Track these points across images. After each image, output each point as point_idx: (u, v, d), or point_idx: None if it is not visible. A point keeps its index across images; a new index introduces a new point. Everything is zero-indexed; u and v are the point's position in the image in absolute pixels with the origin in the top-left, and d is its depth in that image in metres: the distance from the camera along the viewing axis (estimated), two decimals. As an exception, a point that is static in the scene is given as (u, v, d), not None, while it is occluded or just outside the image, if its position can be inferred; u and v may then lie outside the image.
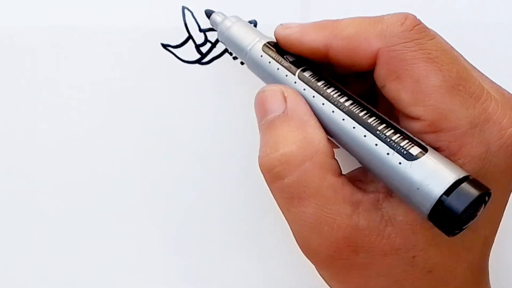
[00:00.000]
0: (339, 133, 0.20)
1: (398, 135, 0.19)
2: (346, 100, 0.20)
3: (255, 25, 0.29)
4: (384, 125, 0.19)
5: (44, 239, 0.31)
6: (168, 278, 0.31)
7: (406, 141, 0.19)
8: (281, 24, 0.23)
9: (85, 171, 0.30)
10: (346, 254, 0.20)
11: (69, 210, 0.31)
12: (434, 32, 0.21)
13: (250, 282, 0.31)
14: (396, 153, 0.18)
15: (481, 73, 0.21)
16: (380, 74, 0.20)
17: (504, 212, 0.21)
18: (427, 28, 0.20)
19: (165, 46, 0.29)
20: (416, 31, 0.19)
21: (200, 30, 0.29)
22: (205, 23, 0.29)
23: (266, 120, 0.21)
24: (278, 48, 0.23)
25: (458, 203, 0.17)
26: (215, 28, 0.26)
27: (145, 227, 0.31)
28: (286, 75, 0.22)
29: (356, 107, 0.20)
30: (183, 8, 0.29)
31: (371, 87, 0.23)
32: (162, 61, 0.29)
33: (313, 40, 0.21)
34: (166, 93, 0.30)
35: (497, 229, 0.21)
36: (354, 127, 0.20)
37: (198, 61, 0.29)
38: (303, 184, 0.20)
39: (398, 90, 0.19)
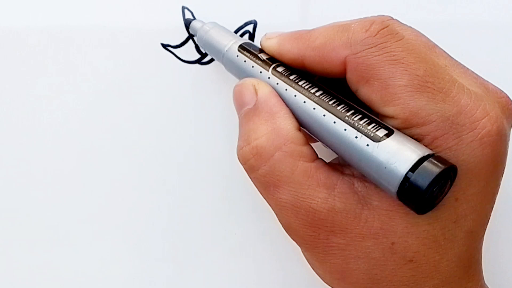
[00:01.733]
0: (311, 122, 0.21)
1: (365, 119, 0.20)
2: (317, 91, 0.21)
3: (255, 25, 0.29)
4: (352, 111, 0.20)
5: (43, 239, 0.31)
6: (168, 278, 0.31)
7: (373, 124, 0.20)
8: (265, 35, 0.24)
9: (84, 170, 0.30)
10: (324, 235, 0.20)
11: (70, 210, 0.31)
12: (408, 29, 0.22)
13: (250, 282, 0.31)
14: (363, 136, 0.19)
15: (464, 67, 0.22)
16: (351, 80, 0.21)
17: (501, 211, 0.21)
18: (395, 30, 0.21)
19: (165, 46, 0.29)
20: (380, 35, 0.20)
21: (200, 30, 0.29)
22: (205, 23, 0.29)
23: (241, 113, 0.23)
24: (253, 47, 0.25)
25: (423, 179, 0.17)
26: (194, 35, 0.28)
27: (144, 227, 0.31)
28: (261, 72, 0.23)
29: (326, 97, 0.21)
30: (183, 8, 0.29)
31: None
32: (162, 61, 0.29)
33: (289, 51, 0.23)
34: (166, 93, 0.30)
35: (485, 223, 0.21)
36: (324, 115, 0.21)
37: (198, 61, 0.29)
38: (275, 174, 0.21)
39: (369, 93, 0.20)
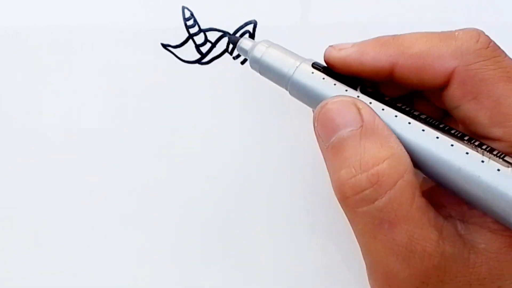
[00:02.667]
0: (419, 147, 0.18)
1: (486, 145, 0.17)
2: (421, 113, 0.19)
3: (255, 25, 0.29)
4: (468, 136, 0.18)
5: (42, 239, 0.31)
6: (167, 278, 0.31)
7: (497, 151, 0.17)
8: (331, 46, 0.21)
9: (84, 170, 0.30)
10: (434, 284, 0.18)
11: (71, 210, 0.31)
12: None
13: (250, 282, 0.31)
14: (491, 160, 0.17)
15: None
16: (455, 94, 0.19)
17: None
18: (498, 46, 0.19)
19: (165, 46, 0.29)
20: (492, 48, 0.18)
21: (200, 30, 0.29)
22: (205, 23, 0.29)
23: (339, 137, 0.19)
24: (325, 69, 0.21)
25: None
26: (243, 55, 0.24)
27: (144, 227, 0.31)
28: (346, 90, 0.20)
29: (433, 120, 0.18)
30: (183, 8, 0.29)
31: (429, 105, 0.22)
32: (162, 61, 0.29)
33: (376, 59, 0.20)
34: (166, 93, 0.30)
35: None
36: (437, 137, 0.18)
37: (198, 61, 0.29)
38: (395, 207, 0.18)
39: (476, 111, 0.18)
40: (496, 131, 0.18)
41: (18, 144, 0.30)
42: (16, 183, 0.31)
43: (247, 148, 0.30)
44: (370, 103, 0.19)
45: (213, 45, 0.29)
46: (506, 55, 0.19)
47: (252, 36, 0.29)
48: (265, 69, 0.22)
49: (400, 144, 0.18)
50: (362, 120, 0.18)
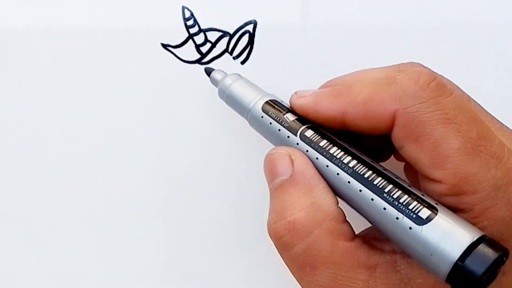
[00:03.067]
0: (347, 195, 0.20)
1: (406, 196, 0.18)
2: (351, 160, 0.20)
3: (255, 25, 0.29)
4: (391, 185, 0.19)
5: (42, 239, 0.31)
6: (167, 278, 0.31)
7: (415, 203, 0.18)
8: (296, 93, 0.23)
9: (84, 170, 0.30)
10: None
11: (70, 211, 0.31)
12: (452, 83, 0.21)
13: (250, 282, 0.31)
14: (405, 217, 0.18)
15: (498, 121, 0.21)
16: (398, 136, 0.19)
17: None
18: (443, 83, 0.19)
19: (165, 46, 0.29)
20: (431, 89, 0.19)
21: (200, 30, 0.29)
22: (205, 23, 0.29)
23: (274, 184, 0.21)
24: (279, 105, 0.23)
25: (476, 267, 0.16)
26: (215, 86, 0.26)
27: (144, 227, 0.31)
28: (288, 136, 0.22)
29: (362, 167, 0.20)
30: (183, 8, 0.29)
31: (387, 143, 0.22)
32: (162, 61, 0.29)
33: (328, 109, 0.21)
34: (166, 93, 0.30)
35: None
36: (360, 190, 0.19)
37: (198, 61, 0.29)
38: (313, 253, 0.19)
39: (417, 153, 0.19)
40: (436, 173, 0.18)
41: (18, 144, 0.30)
42: (15, 183, 0.31)
43: (246, 147, 0.30)
44: (307, 151, 0.21)
45: (213, 45, 0.29)
46: (450, 93, 0.19)
47: (252, 36, 0.29)
48: (229, 101, 0.25)
49: (326, 193, 0.20)
50: (293, 171, 0.20)
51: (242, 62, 0.29)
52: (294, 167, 0.21)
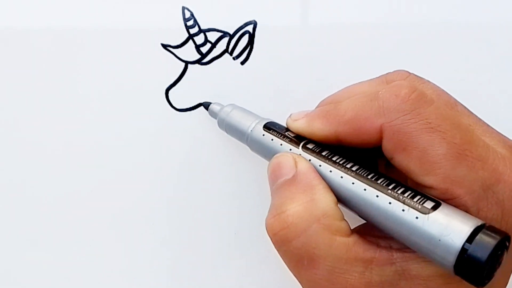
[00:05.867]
0: (350, 198, 0.20)
1: (409, 192, 0.19)
2: (353, 166, 0.21)
3: (255, 25, 0.29)
4: (393, 184, 0.20)
5: (43, 239, 0.31)
6: (168, 278, 0.31)
7: (419, 196, 0.19)
8: (290, 116, 0.24)
9: (84, 170, 0.30)
10: None
11: (73, 210, 0.31)
12: (429, 87, 0.22)
13: (250, 282, 0.31)
14: (411, 209, 0.18)
15: (484, 123, 0.21)
16: (387, 148, 0.20)
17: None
18: (424, 93, 0.20)
19: (165, 46, 0.29)
20: (412, 100, 0.20)
21: (200, 30, 0.29)
22: (205, 24, 0.29)
23: (277, 184, 0.22)
24: (278, 126, 0.24)
25: (482, 250, 0.17)
26: (214, 118, 0.28)
27: (144, 227, 0.31)
28: (290, 149, 0.23)
29: (363, 171, 0.21)
30: (183, 8, 0.29)
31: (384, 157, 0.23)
32: (162, 61, 0.29)
33: (321, 130, 0.22)
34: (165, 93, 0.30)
35: (507, 281, 0.21)
36: (365, 189, 0.20)
37: (198, 61, 0.29)
38: (312, 246, 0.20)
39: (407, 162, 0.20)
40: (427, 180, 0.19)
41: (17, 144, 0.30)
42: (15, 183, 0.31)
43: (246, 147, 0.30)
44: (310, 160, 0.22)
45: (213, 45, 0.29)
46: (431, 103, 0.20)
47: (252, 36, 0.29)
48: (229, 129, 0.26)
49: (326, 193, 0.21)
50: (296, 172, 0.21)
51: (242, 63, 0.29)
52: (297, 168, 0.21)
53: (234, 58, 0.29)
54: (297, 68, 0.29)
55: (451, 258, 0.17)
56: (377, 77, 0.24)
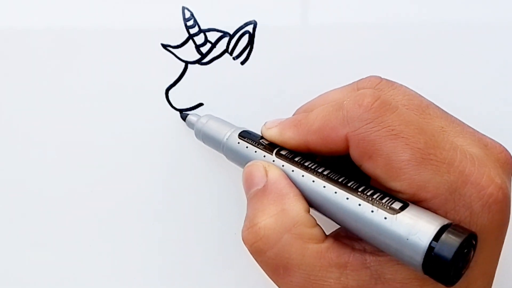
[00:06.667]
0: (322, 201, 0.21)
1: (378, 193, 0.20)
2: (324, 170, 0.21)
3: (255, 25, 0.29)
4: (363, 187, 0.20)
5: (43, 240, 0.31)
6: (168, 278, 0.31)
7: (387, 198, 0.19)
8: (264, 124, 0.25)
9: (85, 170, 0.30)
10: None
11: (73, 210, 0.31)
12: (399, 93, 0.22)
13: (250, 282, 0.31)
14: (380, 209, 0.19)
15: (460, 123, 0.22)
16: (354, 156, 0.21)
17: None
18: (387, 101, 0.20)
19: (165, 46, 0.29)
20: (375, 109, 0.20)
21: (200, 30, 0.29)
22: (205, 24, 0.29)
23: (250, 194, 0.22)
24: (253, 135, 0.25)
25: (448, 248, 0.17)
26: (191, 128, 0.28)
27: (144, 227, 0.31)
28: (264, 156, 0.24)
29: (334, 175, 0.21)
30: (183, 8, 0.29)
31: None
32: (162, 61, 0.29)
33: (292, 139, 0.23)
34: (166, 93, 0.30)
35: (491, 282, 0.21)
36: (335, 192, 0.20)
37: (198, 61, 0.29)
38: (285, 256, 0.20)
39: (374, 169, 0.20)
40: (394, 185, 0.19)
41: (17, 144, 0.30)
42: (14, 183, 0.31)
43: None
44: (283, 165, 0.23)
45: (213, 45, 0.29)
46: (395, 109, 0.20)
47: (252, 36, 0.29)
48: (205, 139, 0.27)
49: (297, 201, 0.21)
50: (266, 181, 0.22)
51: (242, 63, 0.29)
52: (268, 177, 0.22)
53: (234, 58, 0.29)
54: (297, 68, 0.29)
55: (419, 258, 0.18)
56: (349, 84, 0.24)
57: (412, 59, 0.29)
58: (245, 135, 0.25)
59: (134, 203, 0.31)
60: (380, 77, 0.23)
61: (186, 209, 0.31)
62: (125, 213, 0.31)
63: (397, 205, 0.19)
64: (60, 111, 0.30)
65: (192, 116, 0.28)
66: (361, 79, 0.24)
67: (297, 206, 0.21)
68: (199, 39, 0.29)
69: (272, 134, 0.24)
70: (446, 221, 0.18)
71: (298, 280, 0.20)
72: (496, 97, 0.29)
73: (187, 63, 0.29)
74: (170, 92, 0.29)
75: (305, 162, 0.22)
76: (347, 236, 0.21)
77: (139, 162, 0.30)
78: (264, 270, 0.22)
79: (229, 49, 0.29)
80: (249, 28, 0.29)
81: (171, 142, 0.30)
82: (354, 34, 0.29)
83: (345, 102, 0.21)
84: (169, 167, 0.30)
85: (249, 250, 0.21)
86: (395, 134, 0.19)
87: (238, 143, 0.25)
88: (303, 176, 0.22)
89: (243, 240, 0.22)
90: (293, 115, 0.26)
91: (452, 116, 0.22)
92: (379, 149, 0.19)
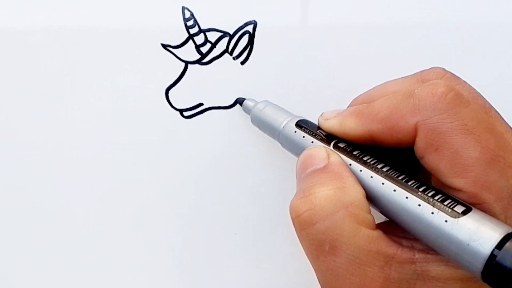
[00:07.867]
0: (379, 198, 0.20)
1: (439, 195, 0.19)
2: (383, 167, 0.21)
3: (255, 25, 0.29)
4: (424, 187, 0.19)
5: (43, 240, 0.31)
6: (168, 278, 0.31)
7: (449, 200, 0.19)
8: (321, 116, 0.24)
9: (85, 170, 0.30)
10: None
11: (74, 210, 0.31)
12: (466, 89, 0.21)
13: (250, 282, 0.31)
14: (441, 212, 0.18)
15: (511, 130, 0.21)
16: (419, 146, 0.20)
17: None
18: (461, 94, 0.20)
19: (165, 46, 0.29)
20: (449, 100, 0.19)
21: (200, 30, 0.29)
22: (205, 24, 0.29)
23: (306, 172, 0.22)
24: (310, 124, 0.24)
25: (511, 257, 0.17)
26: (247, 113, 0.28)
27: (145, 227, 0.31)
28: None
29: (394, 172, 0.20)
30: (183, 8, 0.29)
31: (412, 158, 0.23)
32: (162, 61, 0.29)
33: (353, 129, 0.22)
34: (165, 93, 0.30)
35: None
36: (394, 190, 0.20)
37: (198, 61, 0.29)
38: (336, 232, 0.19)
39: (437, 162, 0.19)
40: (457, 182, 0.19)
41: (17, 144, 0.30)
42: (15, 184, 0.31)
43: (247, 147, 0.30)
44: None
45: (213, 45, 0.29)
46: (468, 104, 0.19)
47: (252, 36, 0.29)
48: (261, 125, 0.27)
49: (356, 185, 0.20)
50: (328, 161, 0.21)
51: (242, 63, 0.29)
52: (330, 160, 0.21)
53: (234, 58, 0.29)
54: (297, 68, 0.29)
55: (479, 264, 0.17)
56: (411, 75, 0.24)
57: (412, 59, 0.29)
58: (301, 125, 0.24)
59: (133, 203, 0.31)
60: (445, 69, 0.23)
61: (186, 209, 0.31)
62: (125, 213, 0.31)
63: (459, 209, 0.18)
64: (60, 111, 0.30)
65: (249, 101, 0.28)
66: (425, 70, 0.23)
67: (356, 188, 0.20)
68: (199, 39, 0.29)
69: (331, 124, 0.23)
70: (510, 229, 0.17)
71: (341, 261, 0.19)
72: (496, 97, 0.29)
73: (187, 63, 0.29)
74: (170, 92, 0.29)
75: (364, 156, 0.21)
76: (394, 233, 0.21)
77: (139, 162, 0.30)
78: (305, 244, 0.20)
79: (229, 49, 0.29)
80: (249, 28, 0.29)
81: (171, 142, 0.30)
82: (354, 34, 0.29)
83: (416, 90, 0.20)
84: (168, 167, 0.30)
85: (295, 221, 0.20)
86: (467, 130, 0.19)
87: (295, 132, 0.24)
88: (361, 170, 0.21)
89: (291, 210, 0.21)
90: (348, 106, 0.25)
91: (508, 124, 0.22)
92: (448, 142, 0.19)
